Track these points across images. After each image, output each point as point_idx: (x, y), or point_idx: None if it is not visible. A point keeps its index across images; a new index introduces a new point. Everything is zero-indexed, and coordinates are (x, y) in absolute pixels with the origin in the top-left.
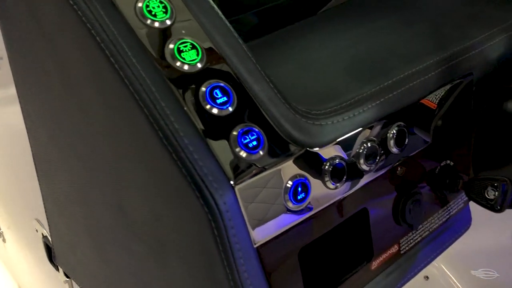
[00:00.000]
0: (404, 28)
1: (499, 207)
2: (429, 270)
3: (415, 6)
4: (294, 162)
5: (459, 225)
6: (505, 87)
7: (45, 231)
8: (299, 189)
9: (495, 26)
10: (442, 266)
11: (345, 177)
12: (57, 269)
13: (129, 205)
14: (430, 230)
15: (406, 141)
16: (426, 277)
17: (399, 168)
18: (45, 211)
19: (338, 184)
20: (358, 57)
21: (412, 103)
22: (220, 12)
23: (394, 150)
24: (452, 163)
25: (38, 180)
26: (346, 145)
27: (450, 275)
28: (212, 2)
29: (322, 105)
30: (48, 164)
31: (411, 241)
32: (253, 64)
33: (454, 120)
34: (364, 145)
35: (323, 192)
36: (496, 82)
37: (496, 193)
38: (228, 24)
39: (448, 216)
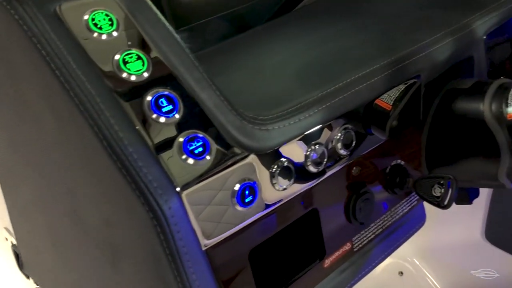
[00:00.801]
0: (355, 33)
1: (445, 204)
2: (403, 265)
3: (369, 11)
4: (241, 166)
5: (413, 222)
6: (453, 88)
7: (14, 239)
8: (247, 192)
9: (443, 29)
10: (416, 261)
11: (293, 179)
12: (28, 277)
13: (83, 212)
14: (383, 227)
15: (354, 143)
16: (401, 273)
17: (350, 169)
18: (10, 220)
19: (286, 186)
20: (308, 63)
21: (359, 107)
22: (167, 23)
23: (342, 152)
24: (402, 162)
25: (2, 189)
26: (294, 148)
27: (424, 270)
28: (159, 13)
29: (270, 110)
30: (9, 173)
31: (364, 238)
32: (199, 72)
33: (404, 121)
34: (312, 147)
35: (271, 194)
36: (445, 83)
37: (442, 190)
38: (175, 35)
39: (401, 214)
